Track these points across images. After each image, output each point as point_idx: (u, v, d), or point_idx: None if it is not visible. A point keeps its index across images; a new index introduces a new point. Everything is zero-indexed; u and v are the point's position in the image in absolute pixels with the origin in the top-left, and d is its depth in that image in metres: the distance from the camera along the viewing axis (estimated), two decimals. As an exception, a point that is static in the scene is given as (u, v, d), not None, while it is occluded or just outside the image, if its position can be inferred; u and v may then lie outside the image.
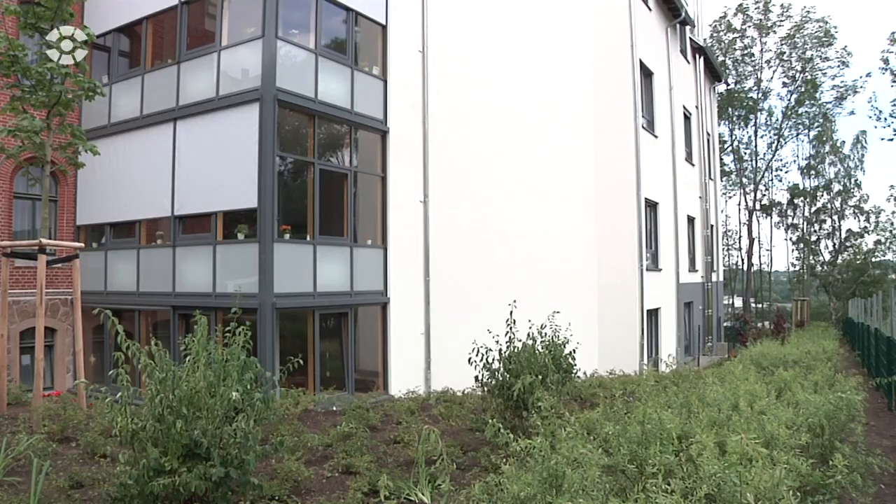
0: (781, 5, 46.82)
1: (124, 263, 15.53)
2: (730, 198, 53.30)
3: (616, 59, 21.81)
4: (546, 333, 8.46)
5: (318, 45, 14.26)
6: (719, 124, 45.03)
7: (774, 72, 48.93)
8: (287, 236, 13.31)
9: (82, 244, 13.05)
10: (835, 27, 46.45)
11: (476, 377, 8.14)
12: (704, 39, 38.39)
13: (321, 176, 14.05)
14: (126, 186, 15.48)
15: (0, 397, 8.93)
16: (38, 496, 4.46)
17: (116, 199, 15.70)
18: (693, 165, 28.85)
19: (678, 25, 26.76)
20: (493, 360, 8.00)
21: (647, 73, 23.09)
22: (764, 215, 52.58)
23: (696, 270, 28.18)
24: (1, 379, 9.03)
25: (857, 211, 48.81)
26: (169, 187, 14.45)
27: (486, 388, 8.12)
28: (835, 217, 49.69)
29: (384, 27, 15.78)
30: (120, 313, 13.28)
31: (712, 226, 31.16)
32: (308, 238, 13.76)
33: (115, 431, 4.83)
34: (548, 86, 20.37)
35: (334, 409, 10.08)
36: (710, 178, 31.46)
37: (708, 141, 32.27)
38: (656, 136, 23.62)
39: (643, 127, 21.96)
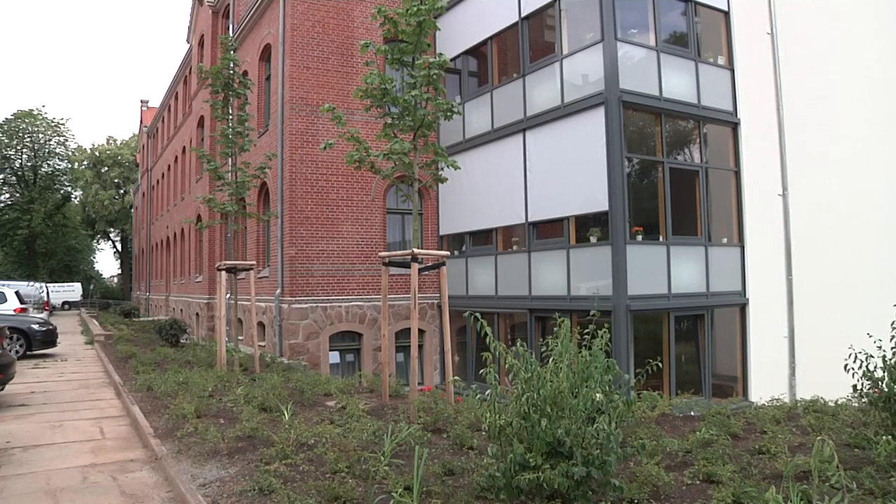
0: None
1: (482, 269, 16.68)
2: None
3: None
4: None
5: (658, 41, 13.99)
6: None
7: None
8: (639, 237, 13.21)
9: (448, 252, 14.27)
10: None
11: (854, 386, 7.24)
12: None
13: (671, 174, 13.72)
14: (481, 197, 16.64)
15: (384, 389, 10.09)
16: (419, 479, 4.99)
17: (473, 210, 16.95)
18: None
19: None
20: (876, 367, 7.04)
21: None
22: None
23: None
24: (384, 373, 10.22)
25: None
26: (522, 195, 15.20)
27: (867, 400, 7.17)
28: None
29: (726, 13, 14.99)
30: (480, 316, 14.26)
31: None
32: (660, 239, 13.53)
33: (483, 427, 5.11)
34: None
35: (692, 413, 9.72)
36: None
37: None
38: None
39: None
